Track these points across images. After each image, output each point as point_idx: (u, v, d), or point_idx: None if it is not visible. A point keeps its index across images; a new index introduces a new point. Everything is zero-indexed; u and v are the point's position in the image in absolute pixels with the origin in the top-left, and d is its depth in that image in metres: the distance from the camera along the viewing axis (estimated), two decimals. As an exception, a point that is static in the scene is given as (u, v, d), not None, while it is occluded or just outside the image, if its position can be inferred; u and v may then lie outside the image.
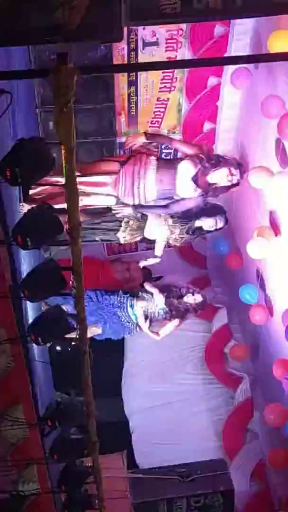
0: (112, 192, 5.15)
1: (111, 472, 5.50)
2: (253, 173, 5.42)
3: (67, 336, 3.53)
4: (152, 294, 5.59)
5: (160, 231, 5.44)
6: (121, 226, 5.37)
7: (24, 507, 4.98)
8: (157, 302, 5.52)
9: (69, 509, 4.78)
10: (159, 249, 5.62)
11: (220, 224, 5.45)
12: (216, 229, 5.50)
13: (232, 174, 5.04)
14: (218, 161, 5.06)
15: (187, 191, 5.13)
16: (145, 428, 7.22)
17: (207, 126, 6.51)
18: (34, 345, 4.17)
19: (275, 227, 5.57)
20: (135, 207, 5.20)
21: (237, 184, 5.15)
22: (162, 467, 6.62)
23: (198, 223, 5.39)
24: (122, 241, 5.55)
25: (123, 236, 5.44)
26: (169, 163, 5.24)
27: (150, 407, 7.26)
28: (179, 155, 5.77)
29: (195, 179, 5.04)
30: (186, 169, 5.05)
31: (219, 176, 5.04)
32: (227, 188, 5.16)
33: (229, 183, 5.11)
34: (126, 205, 5.19)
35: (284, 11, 2.37)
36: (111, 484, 5.35)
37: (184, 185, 5.09)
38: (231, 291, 7.07)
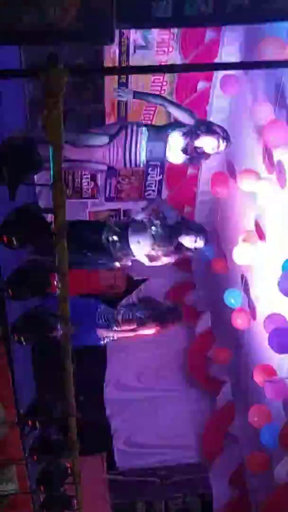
0: (102, 160, 5.16)
1: (91, 473, 5.50)
2: (241, 176, 5.46)
3: (50, 336, 3.53)
4: (132, 303, 5.53)
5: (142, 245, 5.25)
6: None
7: (2, 507, 4.96)
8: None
9: (47, 509, 4.77)
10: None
11: (199, 244, 5.27)
12: (195, 248, 5.32)
13: (218, 146, 5.07)
14: (208, 129, 5.06)
15: (176, 159, 5.20)
16: (126, 430, 7.22)
17: (196, 130, 6.53)
18: (16, 344, 4.16)
19: (260, 232, 5.62)
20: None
21: (218, 152, 5.20)
22: (142, 469, 6.64)
23: (180, 239, 5.23)
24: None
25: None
26: (159, 134, 5.15)
27: (131, 409, 7.27)
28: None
29: (184, 150, 5.08)
30: (176, 142, 5.07)
31: (206, 143, 5.04)
32: (209, 155, 5.19)
33: (213, 152, 5.13)
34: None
35: (275, 19, 2.39)
36: (91, 485, 5.35)
37: (174, 155, 5.14)
38: (215, 295, 7.10)
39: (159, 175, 7.03)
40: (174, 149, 5.08)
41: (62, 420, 3.98)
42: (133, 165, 5.21)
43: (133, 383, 7.42)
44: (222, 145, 5.08)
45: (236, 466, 6.65)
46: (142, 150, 5.10)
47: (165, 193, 7.22)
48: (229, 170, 6.30)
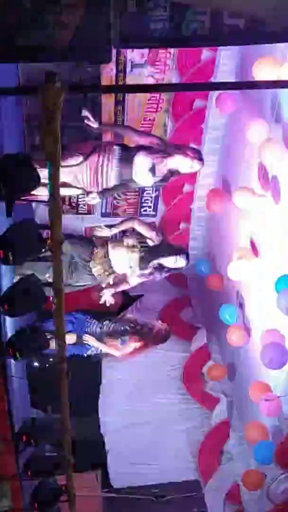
0: (76, 183, 5.16)
1: (85, 491, 5.45)
2: (237, 193, 5.50)
3: (45, 352, 3.52)
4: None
5: (124, 261, 5.36)
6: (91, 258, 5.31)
7: (-5, 525, 4.90)
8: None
9: (41, 527, 4.72)
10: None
11: (180, 263, 5.36)
12: (176, 268, 5.41)
13: (192, 166, 5.12)
14: (180, 151, 5.09)
15: (144, 181, 5.18)
16: (120, 447, 7.16)
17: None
18: (11, 360, 4.15)
19: (255, 248, 5.64)
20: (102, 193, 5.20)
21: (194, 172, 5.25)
22: (137, 487, 6.58)
23: (161, 260, 5.30)
24: (96, 275, 5.41)
25: (95, 267, 5.35)
26: (128, 154, 5.13)
27: (126, 426, 7.21)
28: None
29: (152, 170, 5.07)
30: (142, 163, 5.05)
31: (180, 163, 5.07)
32: (180, 174, 5.23)
33: (189, 172, 5.18)
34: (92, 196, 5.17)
35: (269, 41, 2.43)
36: (85, 503, 5.29)
37: (141, 176, 5.11)
38: (211, 311, 7.10)
39: (155, 191, 7.05)
40: (141, 170, 5.06)
41: (56, 437, 3.96)
42: (102, 186, 5.17)
43: (128, 399, 7.38)
44: (196, 166, 5.12)
45: (231, 484, 6.59)
46: (112, 171, 5.09)
47: (161, 209, 7.24)
48: (225, 187, 6.34)
